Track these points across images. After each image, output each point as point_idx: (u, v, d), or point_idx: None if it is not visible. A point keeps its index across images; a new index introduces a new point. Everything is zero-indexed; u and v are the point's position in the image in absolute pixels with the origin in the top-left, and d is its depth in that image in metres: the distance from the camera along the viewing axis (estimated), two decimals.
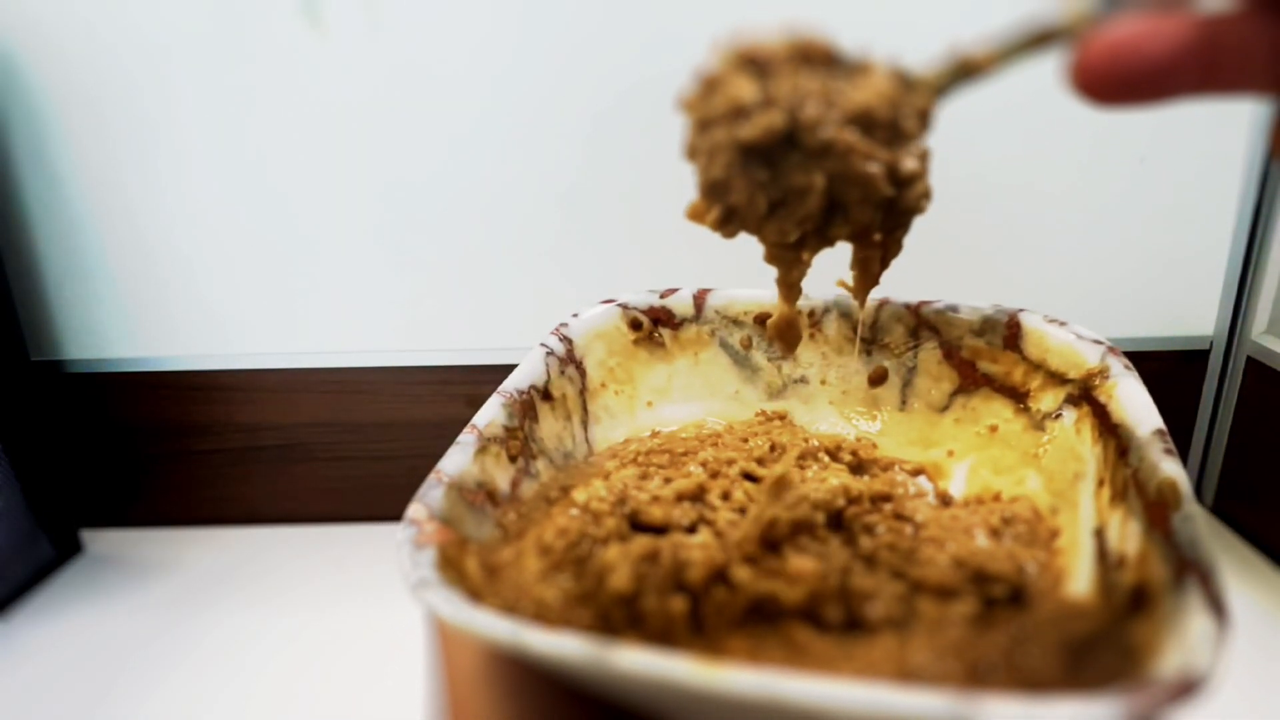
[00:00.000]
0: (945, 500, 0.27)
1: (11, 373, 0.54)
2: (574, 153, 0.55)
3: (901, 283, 0.33)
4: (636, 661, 0.15)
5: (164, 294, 0.58)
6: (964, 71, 0.20)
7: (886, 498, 0.25)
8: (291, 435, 0.62)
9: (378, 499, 0.63)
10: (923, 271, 0.56)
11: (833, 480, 0.25)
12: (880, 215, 0.21)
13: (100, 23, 0.52)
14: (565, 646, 0.16)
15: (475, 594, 0.20)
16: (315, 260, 0.57)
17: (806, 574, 0.20)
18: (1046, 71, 0.58)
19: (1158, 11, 0.17)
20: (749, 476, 0.25)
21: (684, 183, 0.61)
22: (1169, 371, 0.60)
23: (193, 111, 0.54)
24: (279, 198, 0.56)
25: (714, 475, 0.25)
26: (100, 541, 0.62)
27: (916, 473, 0.29)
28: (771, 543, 0.22)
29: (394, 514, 0.71)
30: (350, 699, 0.46)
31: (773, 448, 0.27)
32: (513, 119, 0.54)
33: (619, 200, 0.56)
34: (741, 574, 0.21)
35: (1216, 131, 0.54)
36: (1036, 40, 0.18)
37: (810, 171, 0.20)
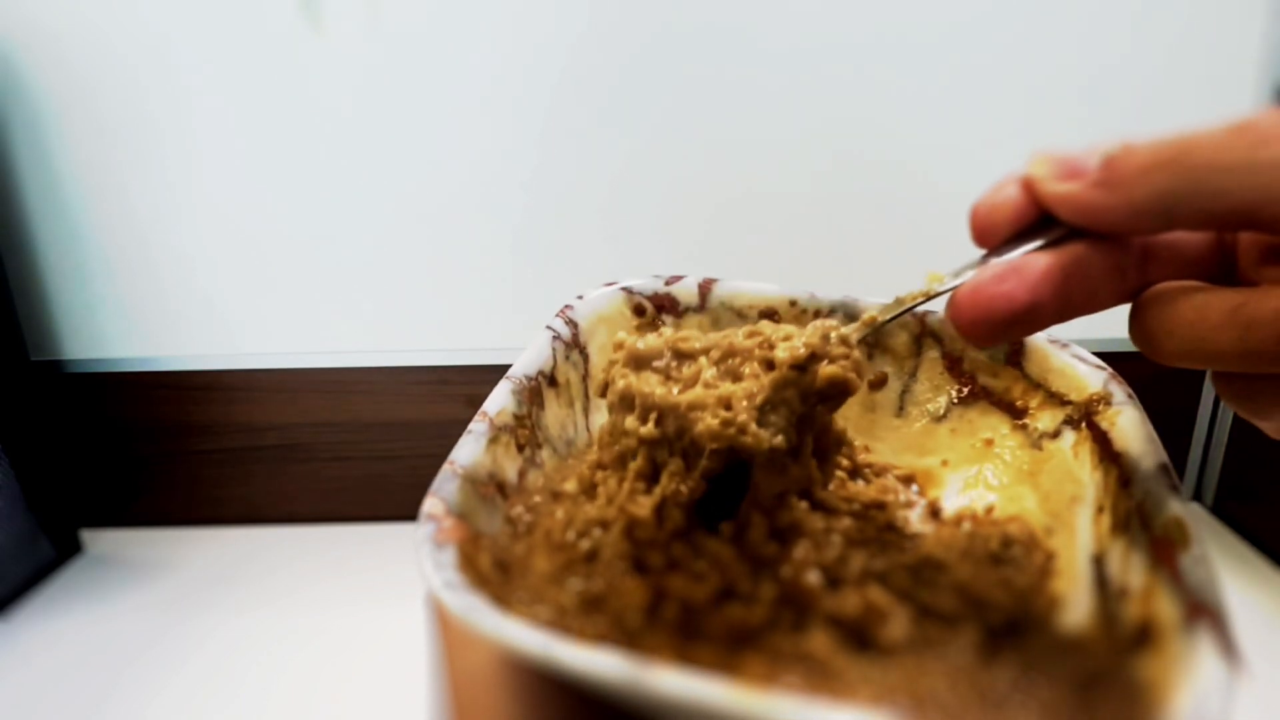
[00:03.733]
0: (935, 511, 0.27)
1: (11, 373, 0.54)
2: (576, 153, 0.55)
3: (908, 288, 0.33)
4: (674, 684, 0.15)
5: (164, 294, 0.58)
6: (869, 325, 0.24)
7: (880, 505, 0.25)
8: (291, 435, 0.62)
9: (378, 499, 0.63)
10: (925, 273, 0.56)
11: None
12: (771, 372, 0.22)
13: (101, 23, 0.52)
14: (601, 664, 0.15)
15: (495, 596, 0.19)
16: (315, 260, 0.57)
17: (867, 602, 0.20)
18: (1046, 73, 0.58)
19: (1005, 269, 0.20)
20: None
21: (687, 184, 0.61)
22: (1169, 371, 0.59)
23: (192, 111, 0.54)
24: (279, 198, 0.56)
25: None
26: (100, 541, 0.62)
27: (908, 480, 0.28)
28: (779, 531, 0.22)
29: (394, 514, 0.71)
30: (351, 699, 0.46)
31: None
32: (513, 119, 0.54)
33: (621, 200, 0.56)
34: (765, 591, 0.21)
35: None
36: (920, 299, 0.23)
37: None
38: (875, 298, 0.32)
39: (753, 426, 0.21)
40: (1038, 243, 0.21)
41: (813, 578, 0.21)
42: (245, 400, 0.61)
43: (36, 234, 0.56)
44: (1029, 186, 0.21)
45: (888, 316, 0.24)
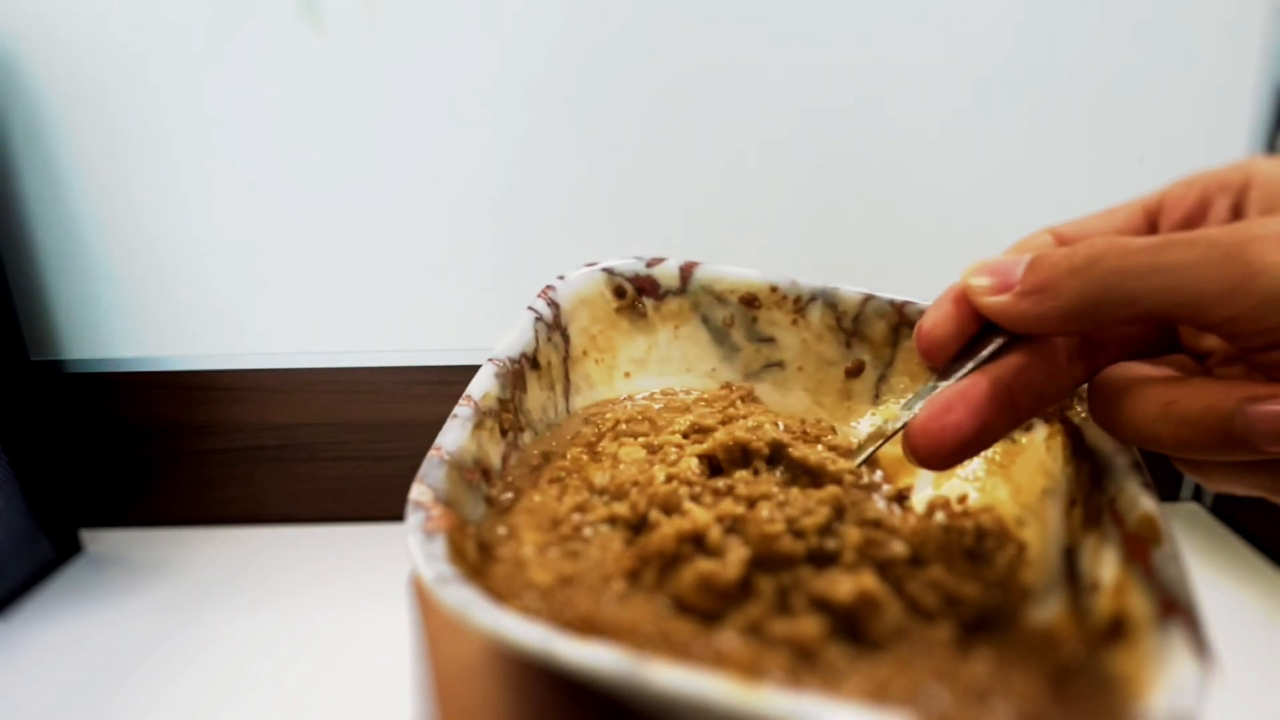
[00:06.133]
0: (900, 497, 0.26)
1: (11, 373, 0.54)
2: (578, 152, 0.55)
3: (894, 280, 0.34)
4: (673, 679, 0.15)
5: (164, 294, 0.58)
6: (834, 478, 0.25)
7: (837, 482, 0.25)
8: (292, 435, 0.62)
9: (378, 499, 0.63)
10: (918, 271, 0.57)
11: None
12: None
13: (102, 21, 0.52)
14: (598, 659, 0.15)
15: (476, 576, 0.19)
16: (316, 260, 0.57)
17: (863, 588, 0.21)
18: (1043, 71, 0.58)
19: (951, 398, 0.21)
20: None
21: (684, 184, 0.61)
22: None
23: (192, 111, 0.54)
24: (279, 197, 0.56)
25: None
26: (100, 541, 0.62)
27: (872, 464, 0.28)
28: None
29: (394, 514, 0.71)
30: (351, 699, 0.46)
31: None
32: (513, 120, 0.54)
33: (624, 199, 0.56)
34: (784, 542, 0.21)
35: (1216, 131, 0.54)
36: (880, 439, 0.24)
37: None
38: (860, 287, 0.32)
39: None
40: (986, 352, 0.22)
41: (787, 539, 0.21)
42: (246, 400, 0.61)
43: (37, 234, 0.56)
44: (967, 298, 0.22)
45: (855, 463, 0.25)
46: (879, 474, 0.28)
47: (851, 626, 0.20)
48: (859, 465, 0.25)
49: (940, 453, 0.21)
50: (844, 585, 0.20)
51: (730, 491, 0.23)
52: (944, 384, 0.22)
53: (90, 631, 0.52)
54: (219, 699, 0.47)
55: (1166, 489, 0.63)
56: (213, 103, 0.54)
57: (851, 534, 0.22)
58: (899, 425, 0.23)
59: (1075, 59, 0.53)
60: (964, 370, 0.22)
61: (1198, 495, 0.63)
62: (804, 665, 0.19)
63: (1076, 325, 0.20)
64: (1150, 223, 0.24)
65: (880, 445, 0.24)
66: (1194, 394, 0.19)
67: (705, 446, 0.24)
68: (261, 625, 0.52)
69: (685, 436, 0.25)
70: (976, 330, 0.22)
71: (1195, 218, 0.23)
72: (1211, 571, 0.55)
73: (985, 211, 0.56)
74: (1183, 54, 0.53)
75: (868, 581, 0.20)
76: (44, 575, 0.58)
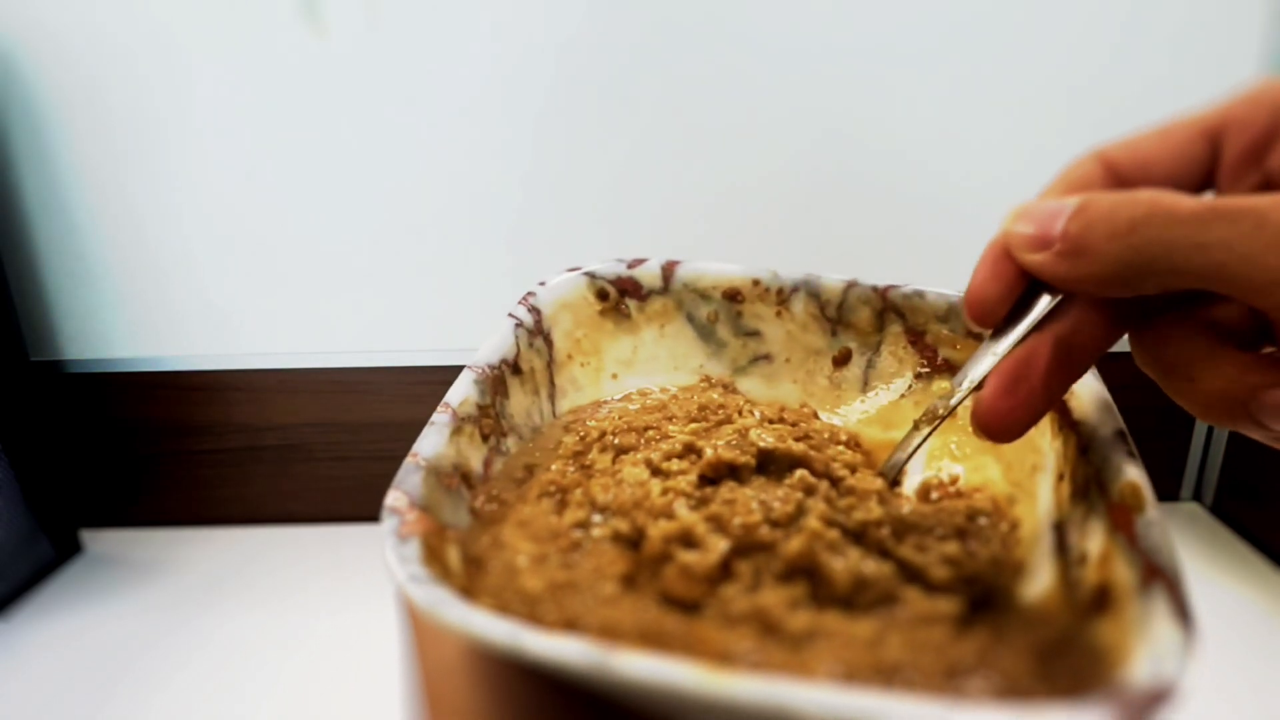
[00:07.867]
0: (894, 481, 0.27)
1: (11, 373, 0.54)
2: (575, 150, 0.55)
3: (896, 270, 0.33)
4: (639, 667, 0.15)
5: (164, 294, 0.58)
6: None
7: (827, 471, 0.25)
8: (291, 435, 0.62)
9: (378, 499, 0.62)
10: (913, 270, 0.56)
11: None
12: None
13: (102, 23, 0.52)
14: (566, 650, 0.15)
15: (462, 588, 0.19)
16: (315, 260, 0.57)
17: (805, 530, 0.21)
18: (1043, 68, 0.58)
19: (1013, 374, 0.21)
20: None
21: (685, 179, 0.61)
22: None
23: (192, 111, 0.54)
24: (279, 198, 0.56)
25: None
26: (100, 541, 0.62)
27: (853, 444, 0.29)
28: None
29: None
30: (349, 698, 0.46)
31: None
32: (511, 118, 0.54)
33: (622, 197, 0.56)
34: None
35: None
36: (936, 420, 0.24)
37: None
38: (842, 275, 0.32)
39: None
40: (1037, 311, 0.21)
41: (765, 528, 0.21)
42: (245, 400, 0.61)
43: (36, 234, 0.56)
44: (1008, 254, 0.21)
45: (916, 445, 0.25)
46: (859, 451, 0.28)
47: (827, 595, 0.20)
48: (920, 446, 0.25)
49: (1014, 428, 0.21)
50: (792, 542, 0.21)
51: (717, 497, 0.23)
52: (1000, 348, 0.22)
53: (90, 631, 0.52)
54: (218, 698, 0.47)
55: (1166, 489, 0.63)
56: (212, 104, 0.54)
57: (817, 507, 0.22)
58: (959, 398, 0.23)
59: (1074, 53, 0.53)
60: (1018, 332, 0.22)
61: (1198, 495, 0.63)
62: (772, 640, 0.19)
63: (1116, 291, 0.20)
64: (1211, 145, 0.22)
65: (939, 424, 0.24)
66: (1213, 375, 0.19)
67: (700, 467, 0.24)
68: (260, 625, 0.53)
69: (681, 458, 0.25)
70: (1024, 286, 0.21)
71: (1261, 144, 0.21)
72: (1211, 571, 0.55)
73: (982, 204, 0.56)
74: (1182, 51, 0.53)
75: (813, 524, 0.21)
76: (44, 575, 0.58)
